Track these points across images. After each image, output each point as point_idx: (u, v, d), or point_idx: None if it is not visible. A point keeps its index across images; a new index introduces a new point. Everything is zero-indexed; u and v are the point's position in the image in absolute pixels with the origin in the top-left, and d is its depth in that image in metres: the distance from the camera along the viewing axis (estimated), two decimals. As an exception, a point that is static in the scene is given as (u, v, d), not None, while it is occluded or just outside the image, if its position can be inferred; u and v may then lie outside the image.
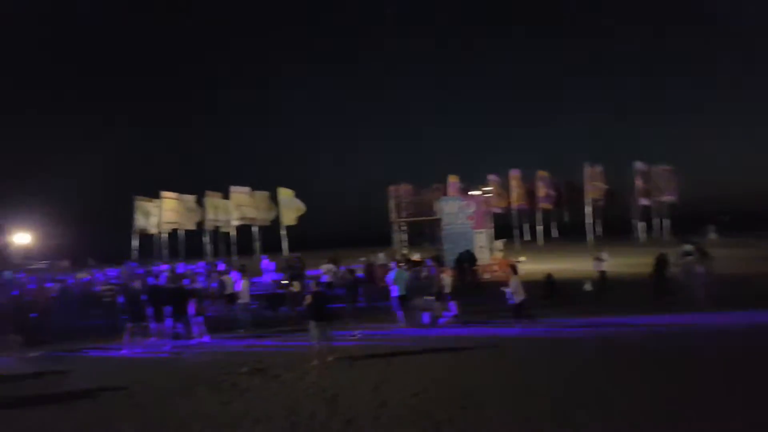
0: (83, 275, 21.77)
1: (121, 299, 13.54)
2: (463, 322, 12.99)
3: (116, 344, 12.69)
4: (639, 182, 35.94)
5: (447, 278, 14.23)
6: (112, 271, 22.98)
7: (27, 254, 35.28)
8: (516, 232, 37.72)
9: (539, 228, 38.49)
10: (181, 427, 7.21)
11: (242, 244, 33.10)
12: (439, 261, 16.66)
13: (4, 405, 8.75)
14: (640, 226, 36.03)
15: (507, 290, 12.33)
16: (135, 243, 30.11)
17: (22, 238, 35.85)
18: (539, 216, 38.55)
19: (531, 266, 20.13)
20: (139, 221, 30.15)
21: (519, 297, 12.12)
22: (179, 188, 31.95)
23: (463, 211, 22.10)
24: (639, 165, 36.35)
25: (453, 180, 28.98)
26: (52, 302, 15.97)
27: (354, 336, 12.11)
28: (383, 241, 27.52)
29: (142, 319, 12.48)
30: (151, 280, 14.35)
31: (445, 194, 25.51)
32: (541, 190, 37.61)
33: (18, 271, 23.50)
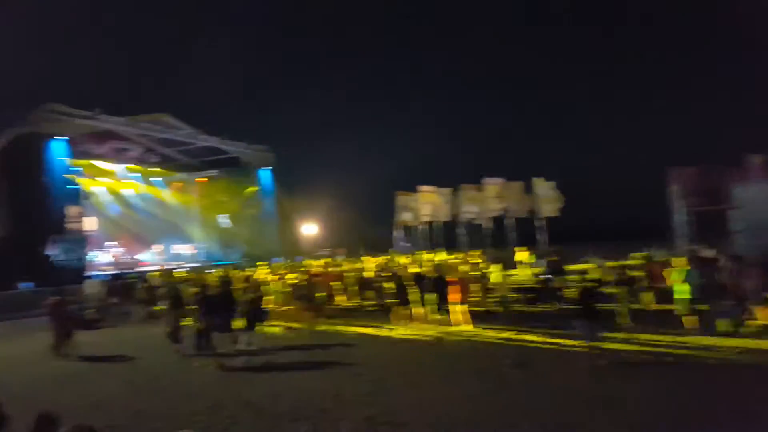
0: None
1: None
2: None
3: (387, 325, 13.89)
4: None
5: (751, 280, 11.59)
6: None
7: (314, 243, 41.71)
8: None
9: None
10: (450, 412, 7.27)
11: (498, 236, 32.97)
12: (738, 259, 13.70)
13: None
14: None
15: None
16: (396, 234, 32.67)
17: (309, 228, 42.52)
18: None
19: None
20: (400, 214, 32.62)
21: None
22: (439, 182, 33.58)
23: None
24: None
25: (755, 160, 23.45)
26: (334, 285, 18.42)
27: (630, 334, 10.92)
28: (660, 234, 23.97)
29: (408, 304, 13.47)
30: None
31: (744, 177, 20.95)
32: None
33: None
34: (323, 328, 14.47)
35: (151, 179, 38.37)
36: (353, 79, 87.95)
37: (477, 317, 14.16)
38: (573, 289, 10.36)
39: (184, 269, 27.85)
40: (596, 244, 20.48)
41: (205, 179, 40.14)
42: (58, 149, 25.75)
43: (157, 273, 23.48)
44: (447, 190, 33.45)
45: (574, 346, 10.22)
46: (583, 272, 11.95)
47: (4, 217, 25.10)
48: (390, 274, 17.21)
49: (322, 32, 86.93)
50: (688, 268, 11.94)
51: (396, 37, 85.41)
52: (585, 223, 39.72)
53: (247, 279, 17.16)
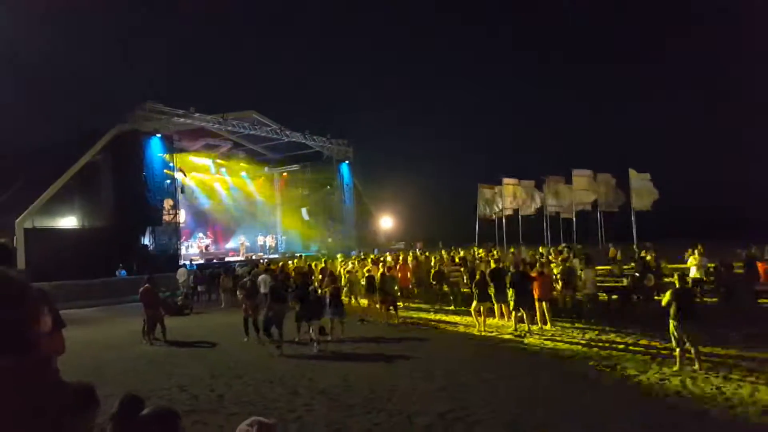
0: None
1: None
2: None
3: (464, 321, 13.79)
4: None
5: None
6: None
7: (391, 236, 41.91)
8: None
9: None
10: (526, 412, 7.02)
11: (585, 231, 31.36)
12: None
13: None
14: None
15: None
16: (477, 227, 31.99)
17: (385, 221, 42.77)
18: None
19: None
20: (481, 207, 31.88)
21: None
22: (524, 174, 32.53)
23: None
24: None
25: None
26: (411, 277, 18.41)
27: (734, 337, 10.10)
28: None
29: (488, 299, 13.05)
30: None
31: None
32: None
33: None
34: (398, 321, 14.42)
35: (239, 173, 40.26)
36: (433, 69, 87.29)
37: (560, 315, 13.69)
38: (668, 290, 9.61)
39: (266, 259, 28.93)
40: (696, 240, 18.76)
41: (288, 174, 41.49)
42: (155, 145, 27.58)
43: (295, 260, 23.11)
44: (530, 183, 32.28)
45: (664, 350, 9.63)
46: (683, 272, 10.96)
47: (108, 209, 27.31)
48: (469, 268, 16.90)
49: (401, 23, 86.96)
50: None
51: (474, 24, 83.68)
52: (682, 218, 36.87)
53: (324, 270, 17.43)
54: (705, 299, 13.11)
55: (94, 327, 15.80)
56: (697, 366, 8.54)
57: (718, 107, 56.08)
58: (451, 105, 79.39)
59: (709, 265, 14.57)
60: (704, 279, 13.35)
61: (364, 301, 16.43)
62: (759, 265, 13.94)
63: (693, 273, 14.24)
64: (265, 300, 12.61)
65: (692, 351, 8.68)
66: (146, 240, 27.06)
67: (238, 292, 14.84)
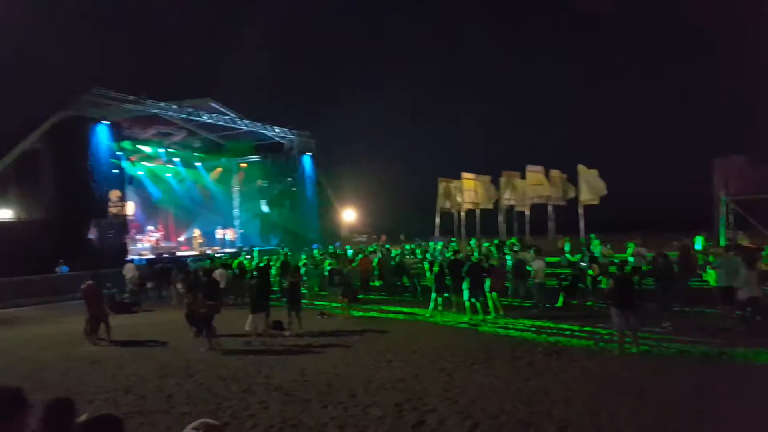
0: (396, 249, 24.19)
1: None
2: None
3: (422, 312, 13.95)
4: None
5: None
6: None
7: (353, 229, 41.64)
8: None
9: None
10: (480, 396, 7.16)
11: (537, 224, 32.25)
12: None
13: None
14: None
15: None
16: (437, 221, 32.20)
17: (348, 214, 42.48)
18: None
19: None
20: (441, 201, 32.08)
21: None
22: (483, 169, 32.93)
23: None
24: None
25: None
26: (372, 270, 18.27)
27: (666, 327, 10.70)
28: (703, 223, 23.29)
29: (445, 290, 13.39)
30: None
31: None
32: None
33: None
34: (358, 313, 14.41)
35: (193, 164, 38.89)
36: (397, 63, 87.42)
37: (512, 305, 14.13)
38: (610, 278, 10.34)
39: (222, 254, 28.14)
40: (638, 233, 19.80)
41: (246, 164, 40.42)
42: (102, 133, 26.21)
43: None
44: (487, 178, 32.82)
45: (607, 335, 10.13)
46: (622, 261, 11.63)
47: (48, 200, 25.78)
48: (428, 260, 16.98)
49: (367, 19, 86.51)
50: (725, 255, 11.63)
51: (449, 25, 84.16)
52: (627, 212, 38.37)
53: (286, 264, 17.07)
54: (644, 286, 13.76)
55: (33, 326, 14.82)
56: (635, 349, 9.06)
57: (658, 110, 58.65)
58: (414, 101, 79.93)
59: (647, 254, 15.27)
60: (642, 268, 14.07)
61: (324, 294, 16.24)
62: (691, 254, 14.84)
63: (632, 262, 14.82)
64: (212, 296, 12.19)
65: (631, 335, 9.20)
66: (90, 233, 25.73)
67: (179, 286, 14.35)
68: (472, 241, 22.67)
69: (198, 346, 11.05)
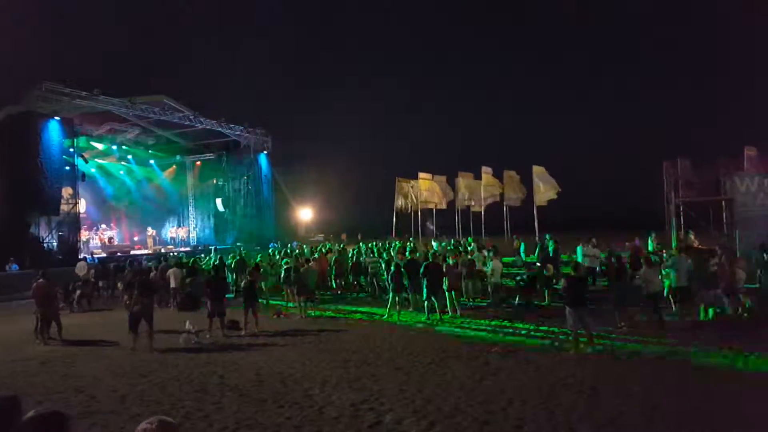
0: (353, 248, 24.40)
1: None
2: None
3: (380, 311, 14.06)
4: None
5: (741, 272, 11.58)
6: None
7: (308, 228, 41.61)
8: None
9: None
10: (437, 395, 7.30)
11: (492, 224, 32.94)
12: (728, 250, 13.73)
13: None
14: None
15: None
16: (394, 221, 32.51)
17: (305, 213, 42.41)
18: None
19: None
20: (398, 201, 32.41)
21: None
22: (440, 169, 33.39)
23: (765, 190, 17.87)
24: None
25: (750, 152, 23.53)
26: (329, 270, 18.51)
27: (621, 326, 10.98)
28: (655, 224, 24.20)
29: (403, 290, 13.52)
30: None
31: (739, 169, 20.90)
32: None
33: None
34: (315, 313, 14.44)
35: (147, 161, 38.04)
36: (353, 62, 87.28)
37: (468, 305, 14.42)
38: (563, 279, 10.46)
39: (176, 253, 27.72)
40: (591, 232, 20.54)
41: (201, 162, 39.78)
42: (54, 129, 25.40)
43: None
44: (443, 178, 33.34)
45: (562, 334, 10.38)
46: (577, 262, 11.99)
47: (-3, 197, 24.85)
48: (386, 259, 17.20)
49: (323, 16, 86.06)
50: (678, 255, 12.01)
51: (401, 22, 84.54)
52: (580, 212, 39.74)
53: (241, 263, 17.05)
54: (597, 286, 14.27)
55: (-20, 326, 14.41)
56: (589, 349, 9.31)
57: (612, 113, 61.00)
58: (373, 101, 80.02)
59: (601, 254, 15.87)
60: (595, 268, 14.61)
61: (281, 294, 16.30)
62: (641, 254, 15.51)
63: (585, 263, 15.44)
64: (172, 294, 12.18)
65: (586, 334, 9.46)
66: (41, 231, 24.95)
67: (119, 284, 14.12)
68: (441, 244, 22.91)
69: (147, 346, 10.93)
